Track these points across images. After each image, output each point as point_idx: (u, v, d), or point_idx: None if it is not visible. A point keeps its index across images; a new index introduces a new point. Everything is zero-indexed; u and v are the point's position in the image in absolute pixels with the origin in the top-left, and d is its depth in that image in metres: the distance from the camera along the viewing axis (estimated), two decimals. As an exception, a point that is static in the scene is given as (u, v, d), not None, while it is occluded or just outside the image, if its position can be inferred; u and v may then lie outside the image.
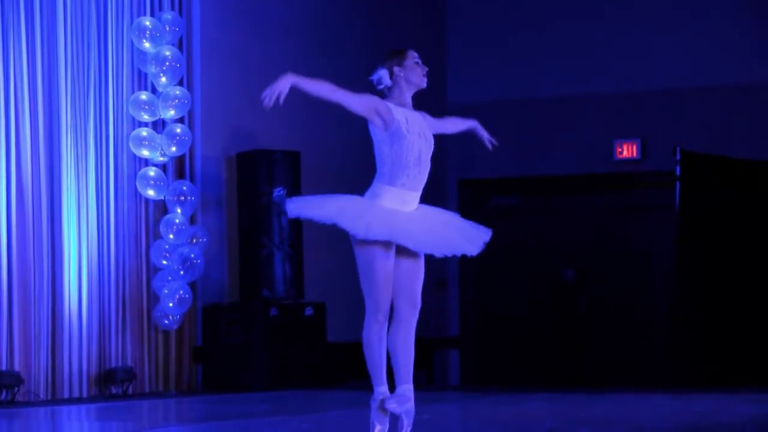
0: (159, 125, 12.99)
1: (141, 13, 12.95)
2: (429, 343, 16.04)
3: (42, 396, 11.91)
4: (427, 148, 7.60)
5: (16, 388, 11.58)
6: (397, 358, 7.39)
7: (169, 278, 12.88)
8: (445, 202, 16.70)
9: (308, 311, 13.41)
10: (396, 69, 7.68)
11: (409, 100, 7.71)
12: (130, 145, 12.80)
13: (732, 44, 15.58)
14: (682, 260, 14.64)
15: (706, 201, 14.75)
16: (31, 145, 11.98)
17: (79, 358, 12.27)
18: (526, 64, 16.44)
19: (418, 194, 7.52)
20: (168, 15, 13.02)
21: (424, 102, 18.54)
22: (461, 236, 7.58)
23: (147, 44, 12.85)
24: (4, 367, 11.57)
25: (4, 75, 11.78)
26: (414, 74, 7.69)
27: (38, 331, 11.95)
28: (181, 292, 12.90)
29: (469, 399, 13.23)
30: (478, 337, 16.56)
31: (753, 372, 14.49)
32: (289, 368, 13.27)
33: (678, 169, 14.51)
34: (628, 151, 16.03)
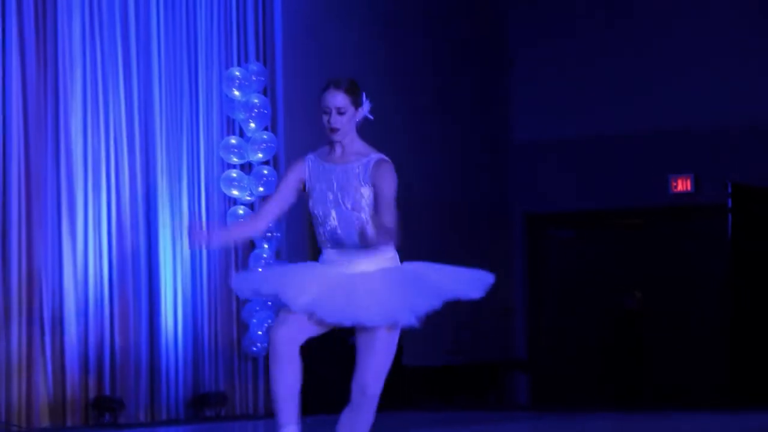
0: (247, 167, 13.07)
1: (229, 64, 13.02)
2: (497, 365, 16.03)
3: (142, 419, 11.97)
4: (333, 204, 6.24)
5: (118, 412, 11.62)
6: None
7: (257, 309, 12.90)
8: (510, 235, 16.70)
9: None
10: None
11: (338, 148, 6.30)
12: (221, 186, 12.87)
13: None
14: (736, 287, 14.57)
15: (758, 230, 14.68)
16: (130, 187, 12.04)
17: (175, 383, 12.31)
18: (585, 104, 16.40)
19: (352, 251, 6.23)
20: (254, 66, 13.11)
21: (489, 140, 18.49)
22: (402, 298, 6.18)
23: (236, 92, 12.93)
24: (107, 392, 11.62)
25: (104, 123, 11.86)
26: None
27: (138, 358, 11.98)
28: (269, 321, 12.86)
29: (537, 419, 13.23)
30: (545, 360, 16.51)
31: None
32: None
33: (730, 201, 14.46)
34: (682, 185, 15.94)
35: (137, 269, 12.05)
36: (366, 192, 6.18)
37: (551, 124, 16.57)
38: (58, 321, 11.35)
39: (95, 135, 11.76)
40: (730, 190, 14.52)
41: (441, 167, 15.56)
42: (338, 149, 6.21)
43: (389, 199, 6.11)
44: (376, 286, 6.11)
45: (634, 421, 12.03)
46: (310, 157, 6.28)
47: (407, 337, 14.10)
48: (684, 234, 15.89)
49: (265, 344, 12.83)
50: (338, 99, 6.17)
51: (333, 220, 6.18)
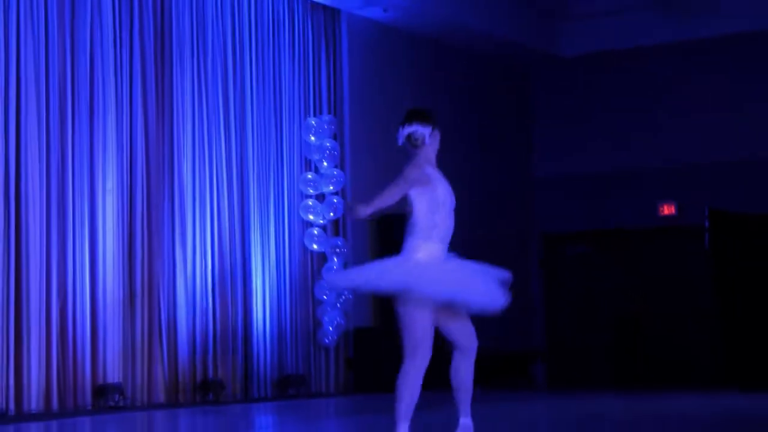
0: (320, 197, 13.15)
1: (306, 115, 13.16)
2: (522, 354, 15.94)
3: (239, 396, 12.01)
4: (452, 200, 6.18)
5: (220, 392, 11.69)
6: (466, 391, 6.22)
7: (328, 309, 13.01)
8: (531, 250, 16.71)
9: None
10: (436, 131, 6.22)
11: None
12: (300, 212, 12.99)
13: (749, 126, 15.52)
14: (714, 290, 14.56)
15: (730, 246, 14.68)
16: (228, 212, 12.20)
17: (264, 367, 12.37)
18: (591, 147, 16.48)
19: (445, 246, 6.15)
20: (326, 116, 13.23)
21: (515, 176, 18.27)
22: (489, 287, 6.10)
23: (312, 138, 13.07)
24: (210, 376, 11.78)
25: (209, 164, 12.03)
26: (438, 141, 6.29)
27: (235, 348, 12.10)
28: (338, 318, 13.02)
29: (553, 398, 13.19)
30: (560, 350, 16.52)
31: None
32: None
33: (707, 222, 14.46)
34: (668, 210, 15.97)
35: (234, 277, 12.20)
36: None
37: (564, 163, 16.71)
38: (173, 319, 11.51)
39: (201, 173, 11.98)
40: (707, 213, 14.53)
41: (479, 197, 15.45)
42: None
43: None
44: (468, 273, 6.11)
45: (634, 400, 11.88)
46: (421, 162, 6.15)
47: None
48: (670, 249, 15.93)
49: (335, 337, 12.99)
50: None
51: (448, 218, 6.11)
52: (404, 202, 6.22)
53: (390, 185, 6.09)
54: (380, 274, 6.05)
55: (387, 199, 6.03)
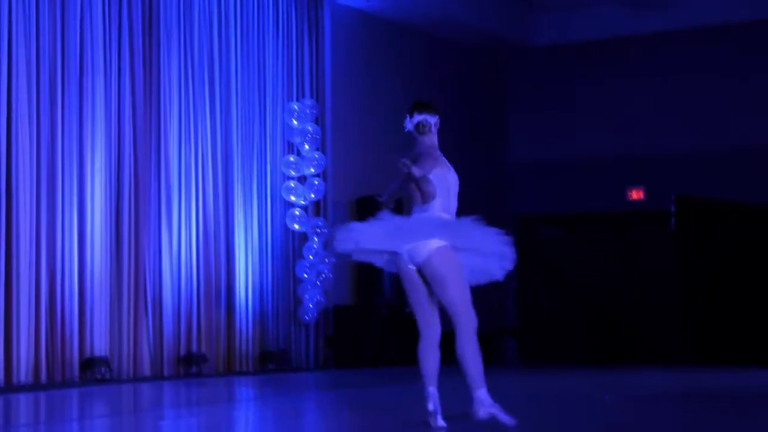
0: (302, 179, 13.19)
1: (289, 99, 13.18)
2: (493, 331, 16.04)
3: (221, 370, 12.04)
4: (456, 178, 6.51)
5: (203, 365, 11.74)
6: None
7: (309, 287, 13.06)
8: (506, 231, 16.79)
9: (408, 310, 13.39)
10: (438, 120, 6.51)
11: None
12: (282, 193, 13.03)
13: (718, 116, 15.67)
14: (678, 270, 14.69)
15: (694, 229, 14.83)
16: (213, 193, 12.24)
17: (246, 343, 12.41)
18: (564, 135, 16.51)
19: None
20: (308, 101, 13.25)
21: (491, 161, 18.12)
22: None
23: (295, 122, 13.11)
24: (194, 350, 11.81)
25: (194, 145, 12.06)
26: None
27: (218, 323, 12.12)
28: (318, 297, 13.06)
29: (523, 374, 13.26)
30: (530, 328, 16.56)
31: (745, 352, 14.56)
32: (394, 351, 13.16)
33: (673, 207, 14.59)
34: (636, 195, 16.04)
35: (218, 255, 12.22)
36: None
37: (538, 150, 16.73)
38: (158, 295, 11.55)
39: (187, 154, 12.01)
40: (673, 198, 14.65)
41: (462, 184, 15.33)
42: None
43: None
44: None
45: (600, 375, 11.99)
46: (435, 148, 6.48)
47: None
48: (638, 232, 15.99)
49: (315, 314, 13.01)
50: None
51: (455, 201, 6.47)
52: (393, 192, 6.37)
53: (423, 159, 6.27)
54: (404, 232, 6.26)
55: (426, 169, 6.24)
